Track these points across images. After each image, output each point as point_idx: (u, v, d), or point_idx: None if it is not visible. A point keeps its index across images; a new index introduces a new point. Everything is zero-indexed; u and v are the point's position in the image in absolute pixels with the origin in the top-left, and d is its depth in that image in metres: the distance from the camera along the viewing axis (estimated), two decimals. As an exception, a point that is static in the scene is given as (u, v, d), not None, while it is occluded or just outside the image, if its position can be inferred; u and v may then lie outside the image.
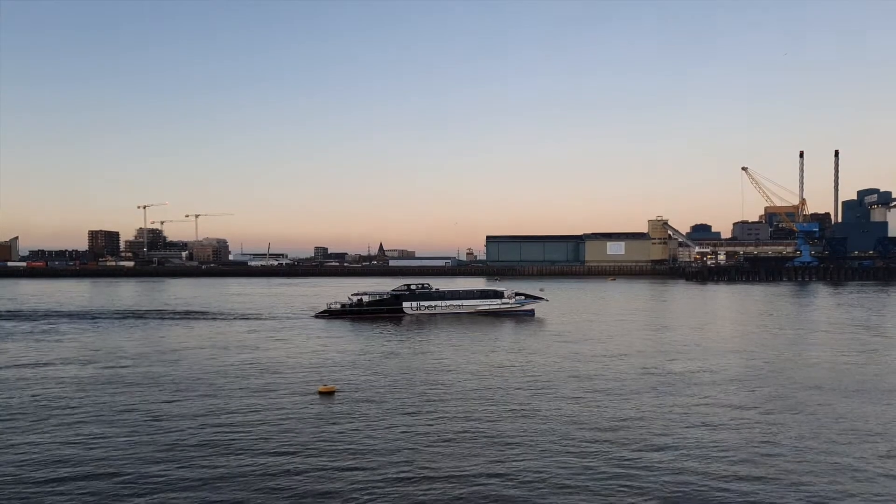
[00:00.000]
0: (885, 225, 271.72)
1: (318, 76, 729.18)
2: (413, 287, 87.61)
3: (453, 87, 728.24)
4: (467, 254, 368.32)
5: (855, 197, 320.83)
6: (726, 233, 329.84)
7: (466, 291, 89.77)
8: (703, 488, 21.59)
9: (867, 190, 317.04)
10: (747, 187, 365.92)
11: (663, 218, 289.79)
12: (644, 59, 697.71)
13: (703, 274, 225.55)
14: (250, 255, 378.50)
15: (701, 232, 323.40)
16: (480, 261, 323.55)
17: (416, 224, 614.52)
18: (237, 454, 25.47)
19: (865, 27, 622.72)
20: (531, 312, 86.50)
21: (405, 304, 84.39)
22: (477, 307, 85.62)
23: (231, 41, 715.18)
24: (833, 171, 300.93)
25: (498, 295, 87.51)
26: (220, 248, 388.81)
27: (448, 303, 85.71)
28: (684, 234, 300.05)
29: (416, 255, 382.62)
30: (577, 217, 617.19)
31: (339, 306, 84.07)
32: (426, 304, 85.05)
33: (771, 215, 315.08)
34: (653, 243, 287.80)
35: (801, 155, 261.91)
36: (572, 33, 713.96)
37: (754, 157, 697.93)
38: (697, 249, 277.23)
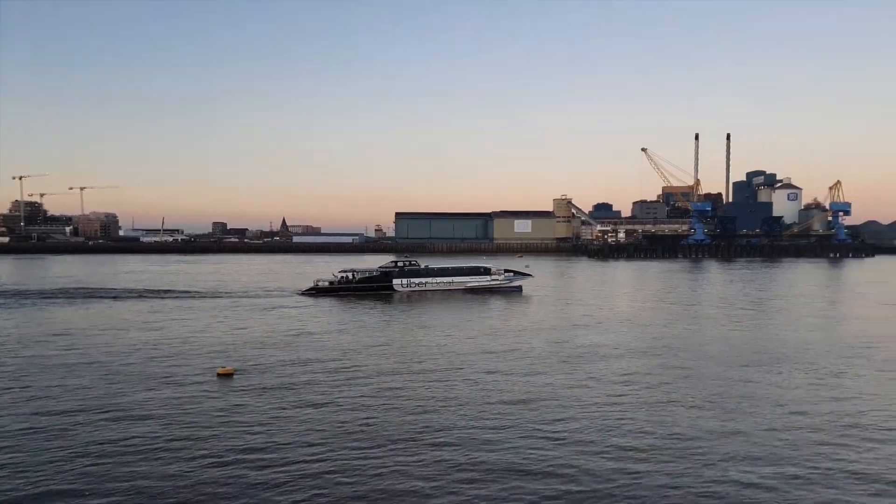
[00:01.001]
0: (770, 205, 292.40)
1: (217, 40, 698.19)
2: (401, 264, 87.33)
3: (362, 61, 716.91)
4: (376, 230, 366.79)
5: (744, 178, 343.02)
6: (626, 212, 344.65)
7: (455, 268, 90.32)
8: (605, 455, 22.91)
9: (755, 172, 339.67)
10: (646, 168, 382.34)
11: (567, 197, 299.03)
12: (550, 41, 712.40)
13: (605, 251, 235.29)
14: (142, 230, 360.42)
15: (603, 211, 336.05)
16: (390, 238, 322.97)
17: (321, 200, 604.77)
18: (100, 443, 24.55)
19: (754, 17, 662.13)
20: (519, 289, 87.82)
21: (395, 282, 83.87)
22: (467, 284, 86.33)
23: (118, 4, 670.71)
24: (725, 153, 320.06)
25: (487, 272, 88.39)
26: (109, 222, 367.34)
27: (438, 280, 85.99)
28: (587, 212, 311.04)
29: (322, 232, 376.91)
30: (486, 195, 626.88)
31: (326, 283, 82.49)
32: (417, 280, 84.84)
33: (668, 195, 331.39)
34: (557, 221, 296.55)
35: (697, 137, 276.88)
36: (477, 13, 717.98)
37: (653, 139, 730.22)
38: (599, 228, 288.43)
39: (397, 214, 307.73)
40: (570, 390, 32.02)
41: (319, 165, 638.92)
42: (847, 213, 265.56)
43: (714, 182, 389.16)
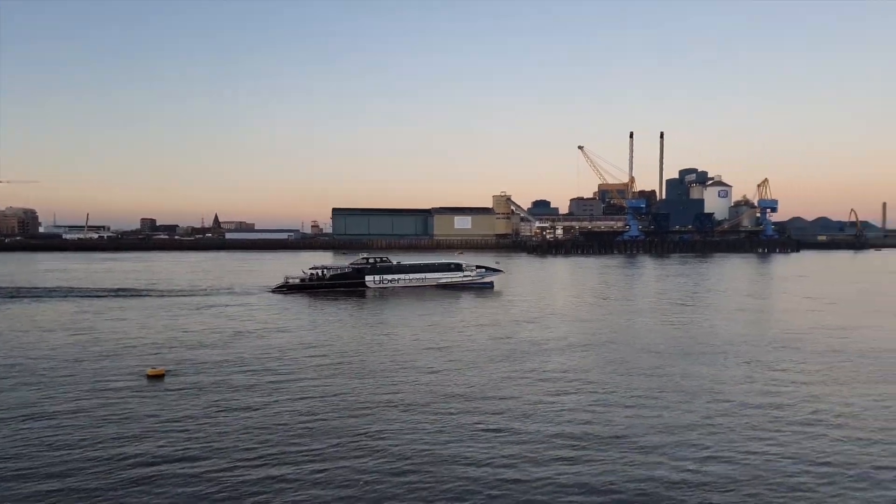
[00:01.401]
0: (702, 202, 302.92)
1: (143, 25, 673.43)
2: (372, 260, 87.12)
3: (297, 52, 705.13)
4: (312, 226, 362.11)
5: (677, 176, 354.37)
6: (564, 208, 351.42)
7: (427, 265, 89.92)
8: (547, 444, 23.36)
9: (687, 170, 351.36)
10: (583, 165, 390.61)
11: (507, 194, 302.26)
12: (490, 39, 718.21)
13: (544, 247, 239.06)
14: (65, 227, 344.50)
15: (541, 207, 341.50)
16: (327, 234, 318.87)
17: (256, 196, 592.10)
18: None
19: (686, 19, 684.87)
20: (490, 284, 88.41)
21: (367, 278, 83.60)
22: (439, 280, 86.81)
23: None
24: (659, 152, 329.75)
25: (459, 268, 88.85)
26: (28, 219, 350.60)
27: (411, 276, 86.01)
28: (526, 209, 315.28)
29: (256, 228, 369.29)
30: (426, 191, 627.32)
31: (297, 280, 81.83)
32: (389, 277, 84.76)
33: (604, 192, 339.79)
34: (497, 218, 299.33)
35: (631, 135, 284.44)
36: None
37: (590, 137, 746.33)
38: (538, 224, 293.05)
39: (334, 210, 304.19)
40: (512, 384, 32.43)
41: (254, 160, 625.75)
42: (774, 209, 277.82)
43: (648, 179, 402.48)
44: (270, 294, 78.59)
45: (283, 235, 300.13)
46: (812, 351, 41.67)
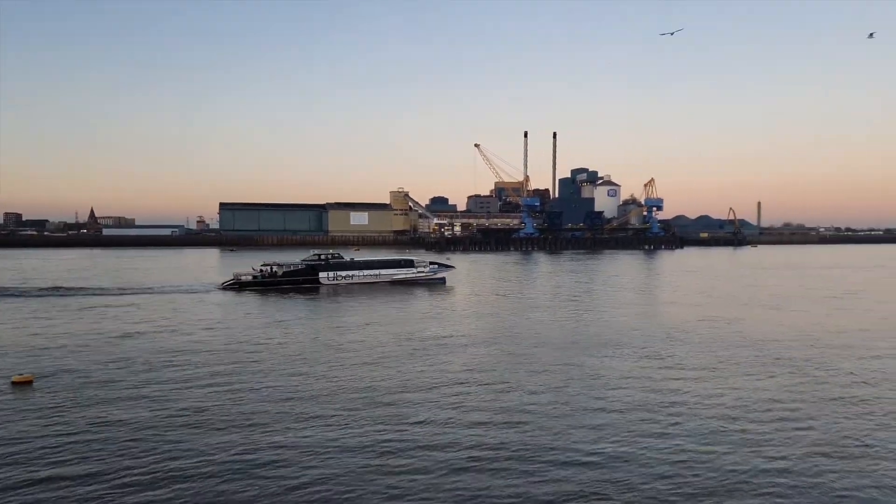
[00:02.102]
0: (592, 201, 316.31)
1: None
2: (325, 257, 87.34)
3: (176, 41, 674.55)
4: (198, 222, 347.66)
5: (569, 175, 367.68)
6: (462, 205, 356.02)
7: (381, 261, 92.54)
8: (450, 434, 23.63)
9: (579, 169, 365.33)
10: (480, 163, 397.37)
11: (404, 190, 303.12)
12: (388, 35, 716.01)
13: (442, 244, 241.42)
14: None
15: (439, 204, 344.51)
16: (213, 230, 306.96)
17: (136, 189, 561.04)
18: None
19: (576, 18, 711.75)
20: (443, 280, 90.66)
21: (321, 275, 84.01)
22: (393, 276, 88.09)
23: None
24: (552, 151, 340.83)
25: (412, 264, 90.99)
26: None
27: (365, 272, 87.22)
28: (424, 205, 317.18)
29: (137, 224, 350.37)
30: (320, 186, 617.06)
31: (249, 277, 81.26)
32: (343, 273, 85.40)
33: (500, 190, 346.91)
34: (395, 214, 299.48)
35: (526, 135, 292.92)
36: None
37: (487, 135, 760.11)
38: (436, 221, 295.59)
39: (222, 205, 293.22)
40: (417, 379, 32.53)
41: (134, 152, 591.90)
42: (660, 208, 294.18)
43: (542, 178, 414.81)
44: (220, 291, 77.83)
45: (167, 232, 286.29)
46: (700, 342, 44.39)
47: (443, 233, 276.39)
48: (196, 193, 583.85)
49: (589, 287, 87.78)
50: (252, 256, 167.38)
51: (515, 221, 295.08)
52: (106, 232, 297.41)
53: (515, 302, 69.85)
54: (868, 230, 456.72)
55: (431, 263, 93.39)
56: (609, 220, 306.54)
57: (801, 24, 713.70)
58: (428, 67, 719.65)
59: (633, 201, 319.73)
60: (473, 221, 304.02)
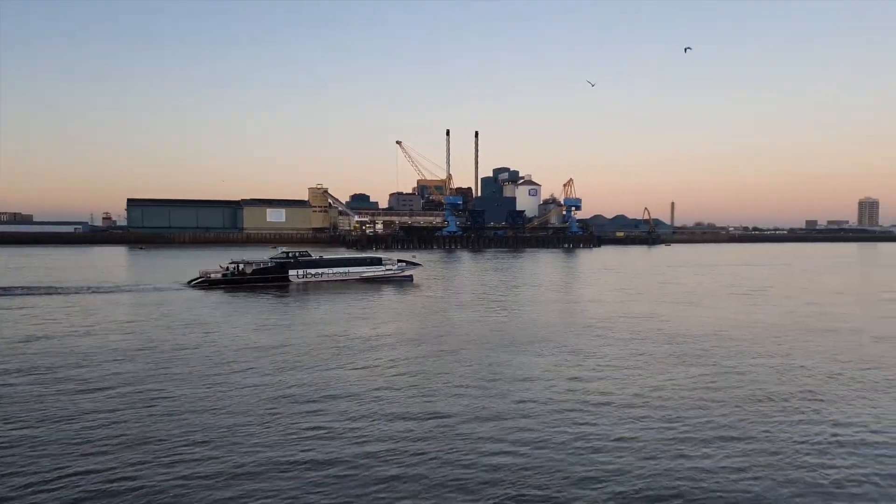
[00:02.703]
0: (514, 200, 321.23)
1: None
2: (293, 254, 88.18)
3: (80, 32, 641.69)
4: (104, 219, 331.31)
5: (491, 174, 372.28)
6: (384, 203, 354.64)
7: (349, 259, 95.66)
8: (373, 430, 23.30)
9: (500, 168, 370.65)
10: (402, 160, 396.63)
11: (323, 186, 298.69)
12: (305, 31, 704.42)
13: (363, 242, 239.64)
14: None
15: (360, 201, 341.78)
16: (121, 227, 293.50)
17: (33, 183, 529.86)
18: None
19: (497, 21, 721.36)
20: (410, 278, 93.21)
21: (291, 273, 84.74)
22: (362, 274, 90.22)
23: None
24: (474, 150, 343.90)
25: (380, 262, 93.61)
26: None
27: (335, 270, 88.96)
28: (344, 202, 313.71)
29: (35, 220, 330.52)
30: (236, 183, 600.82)
31: (219, 275, 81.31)
32: (313, 271, 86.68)
33: (423, 188, 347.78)
34: (313, 211, 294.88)
35: (448, 133, 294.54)
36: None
37: (409, 132, 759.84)
38: (357, 218, 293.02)
39: (129, 201, 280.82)
40: (341, 380, 31.94)
41: (30, 143, 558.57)
42: (578, 208, 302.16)
43: (465, 177, 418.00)
44: (189, 289, 77.58)
45: (69, 228, 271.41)
46: (619, 338, 45.56)
47: (364, 230, 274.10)
48: (102, 189, 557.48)
49: (513, 285, 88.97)
50: (164, 255, 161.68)
51: (438, 219, 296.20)
52: (0, 228, 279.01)
53: (441, 300, 69.92)
54: (773, 230, 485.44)
55: (399, 261, 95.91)
56: (530, 220, 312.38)
57: (714, 26, 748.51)
58: (348, 64, 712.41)
59: (552, 201, 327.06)
60: (396, 219, 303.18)
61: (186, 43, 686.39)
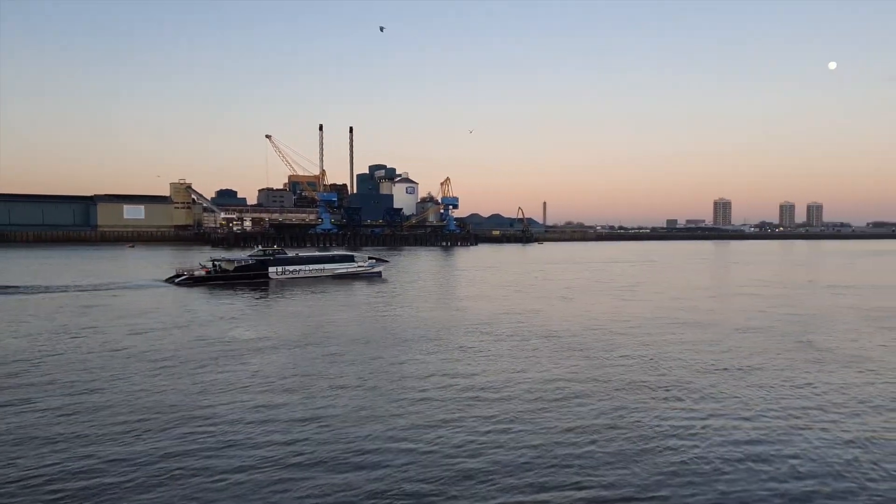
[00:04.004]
0: (391, 197, 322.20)
1: None
2: (270, 252, 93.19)
3: None
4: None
5: (367, 171, 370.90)
6: (252, 199, 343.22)
7: (324, 256, 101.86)
8: (245, 433, 22.81)
9: (377, 165, 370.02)
10: (272, 155, 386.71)
11: (187, 182, 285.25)
12: (157, 27, 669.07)
13: (230, 240, 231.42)
14: None
15: (226, 197, 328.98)
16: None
17: None
18: None
19: (378, 17, 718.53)
20: (379, 274, 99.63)
21: (270, 269, 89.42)
22: (336, 270, 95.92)
23: None
24: (349, 146, 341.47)
25: (352, 259, 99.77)
26: None
27: (311, 267, 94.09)
28: (209, 199, 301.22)
29: None
30: (86, 175, 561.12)
31: (202, 272, 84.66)
32: (291, 268, 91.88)
33: (294, 184, 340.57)
34: (176, 207, 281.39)
35: (321, 128, 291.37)
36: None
37: (280, 127, 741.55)
38: (223, 215, 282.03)
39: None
40: (215, 384, 30.82)
41: None
42: (455, 206, 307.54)
43: (340, 173, 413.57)
44: (173, 286, 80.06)
45: None
46: (504, 333, 46.97)
47: (231, 228, 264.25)
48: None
49: (394, 283, 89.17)
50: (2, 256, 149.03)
51: (312, 217, 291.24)
52: None
53: (319, 299, 68.93)
54: (637, 228, 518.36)
55: (370, 258, 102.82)
56: (408, 217, 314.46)
57: (583, 24, 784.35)
58: (214, 53, 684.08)
59: (430, 199, 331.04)
60: (266, 216, 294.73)
61: (30, 22, 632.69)
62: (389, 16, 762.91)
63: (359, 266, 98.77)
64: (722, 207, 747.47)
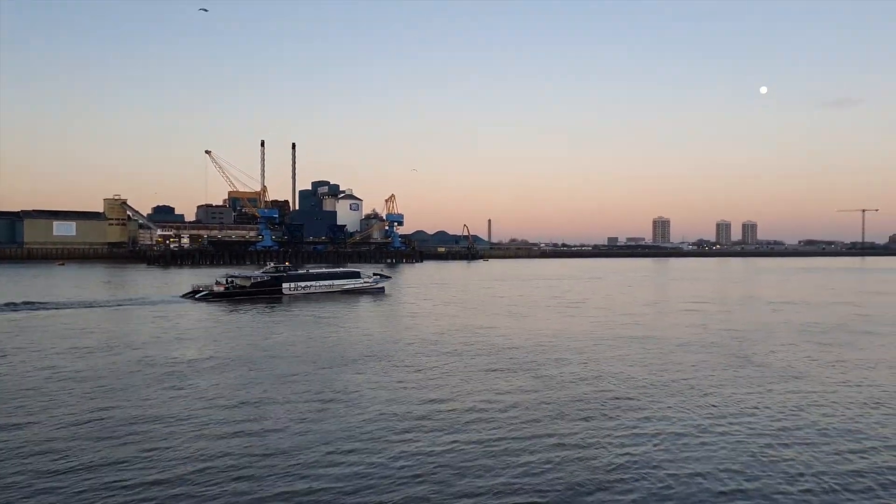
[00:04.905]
0: (335, 214, 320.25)
1: None
2: (282, 268, 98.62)
3: None
4: None
5: (310, 187, 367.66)
6: (190, 216, 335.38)
7: (333, 272, 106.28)
8: (197, 459, 22.34)
9: (320, 182, 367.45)
10: (212, 171, 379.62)
11: (121, 197, 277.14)
12: (102, 32, 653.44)
13: (167, 258, 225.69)
14: None
15: (163, 214, 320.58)
16: None
17: None
18: None
19: (309, 35, 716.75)
20: (382, 289, 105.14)
21: (284, 286, 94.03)
22: (344, 286, 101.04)
23: None
24: (291, 162, 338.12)
25: (358, 275, 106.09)
26: None
27: (321, 283, 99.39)
28: (146, 215, 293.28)
29: None
30: (14, 190, 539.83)
31: (221, 289, 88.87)
32: (303, 284, 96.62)
33: (234, 200, 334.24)
34: (109, 224, 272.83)
35: (263, 144, 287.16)
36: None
37: (219, 143, 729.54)
38: (160, 232, 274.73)
39: None
40: (156, 403, 29.96)
41: None
42: (400, 223, 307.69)
43: (281, 189, 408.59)
44: (196, 302, 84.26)
45: None
46: (452, 351, 47.10)
47: (168, 245, 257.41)
48: None
49: (342, 301, 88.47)
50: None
51: (252, 233, 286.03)
52: None
53: (260, 318, 67.78)
54: (580, 245, 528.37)
55: (375, 274, 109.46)
56: (352, 234, 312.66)
57: (522, 40, 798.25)
58: (155, 68, 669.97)
59: (374, 216, 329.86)
60: (204, 233, 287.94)
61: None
62: (333, 29, 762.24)
63: (364, 282, 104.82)
64: (661, 225, 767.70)
